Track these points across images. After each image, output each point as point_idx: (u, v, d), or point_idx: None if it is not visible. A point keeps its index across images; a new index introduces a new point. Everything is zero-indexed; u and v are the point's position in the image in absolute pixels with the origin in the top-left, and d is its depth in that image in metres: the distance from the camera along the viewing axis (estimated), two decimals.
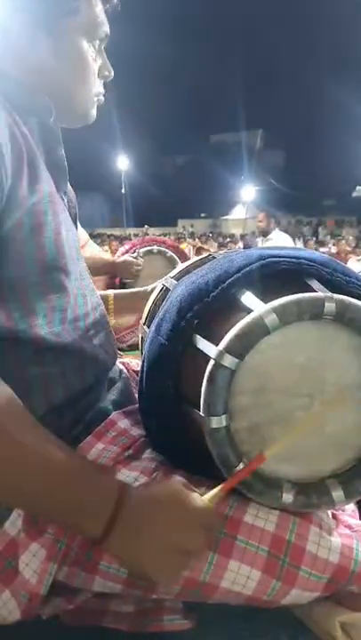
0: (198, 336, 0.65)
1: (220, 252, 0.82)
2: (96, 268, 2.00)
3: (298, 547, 0.64)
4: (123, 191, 30.83)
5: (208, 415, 0.60)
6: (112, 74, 0.84)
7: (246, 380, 0.61)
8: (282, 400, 0.62)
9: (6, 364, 0.66)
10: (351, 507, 0.78)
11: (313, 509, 0.66)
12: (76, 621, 0.68)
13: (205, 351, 0.62)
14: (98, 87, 0.82)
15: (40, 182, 0.69)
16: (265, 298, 0.62)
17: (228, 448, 0.61)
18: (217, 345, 0.60)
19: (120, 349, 1.11)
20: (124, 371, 0.91)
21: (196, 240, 13.76)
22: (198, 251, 6.81)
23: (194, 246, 9.51)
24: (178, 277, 0.78)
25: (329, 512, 0.71)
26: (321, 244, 13.03)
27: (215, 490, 0.61)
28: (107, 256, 2.40)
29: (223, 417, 0.60)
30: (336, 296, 0.61)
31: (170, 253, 2.40)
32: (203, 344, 0.63)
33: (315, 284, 0.65)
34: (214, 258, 0.77)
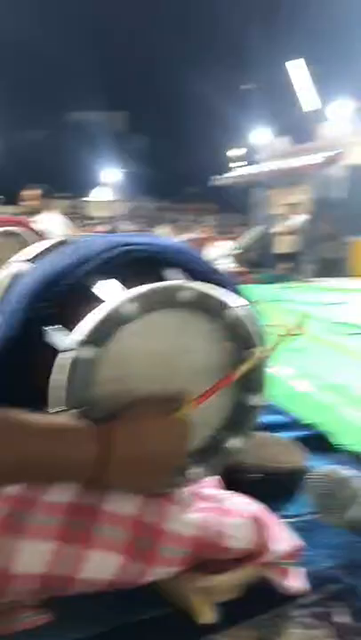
0: (52, 326, 0.62)
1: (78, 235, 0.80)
2: None
3: (156, 526, 0.65)
4: None
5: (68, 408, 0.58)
6: None
7: (105, 370, 0.60)
8: (142, 388, 0.62)
9: None
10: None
11: (173, 488, 0.68)
12: None
13: (60, 342, 0.60)
14: None
15: None
16: (122, 286, 0.61)
17: None
18: (72, 335, 0.58)
19: None
20: None
21: None
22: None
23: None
24: (31, 261, 0.74)
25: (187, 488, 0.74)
26: (186, 229, 13.39)
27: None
28: None
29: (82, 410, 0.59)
30: (191, 284, 0.62)
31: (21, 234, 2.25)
32: (56, 335, 0.61)
33: (171, 272, 0.66)
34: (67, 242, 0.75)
